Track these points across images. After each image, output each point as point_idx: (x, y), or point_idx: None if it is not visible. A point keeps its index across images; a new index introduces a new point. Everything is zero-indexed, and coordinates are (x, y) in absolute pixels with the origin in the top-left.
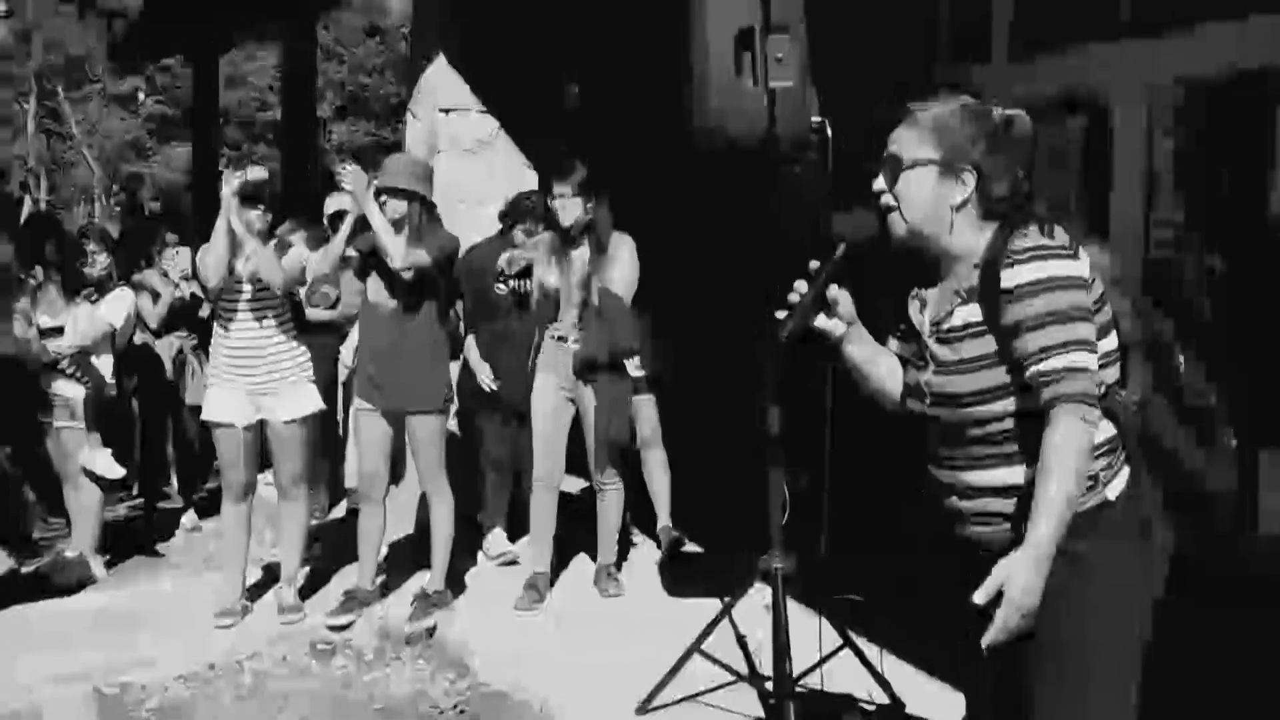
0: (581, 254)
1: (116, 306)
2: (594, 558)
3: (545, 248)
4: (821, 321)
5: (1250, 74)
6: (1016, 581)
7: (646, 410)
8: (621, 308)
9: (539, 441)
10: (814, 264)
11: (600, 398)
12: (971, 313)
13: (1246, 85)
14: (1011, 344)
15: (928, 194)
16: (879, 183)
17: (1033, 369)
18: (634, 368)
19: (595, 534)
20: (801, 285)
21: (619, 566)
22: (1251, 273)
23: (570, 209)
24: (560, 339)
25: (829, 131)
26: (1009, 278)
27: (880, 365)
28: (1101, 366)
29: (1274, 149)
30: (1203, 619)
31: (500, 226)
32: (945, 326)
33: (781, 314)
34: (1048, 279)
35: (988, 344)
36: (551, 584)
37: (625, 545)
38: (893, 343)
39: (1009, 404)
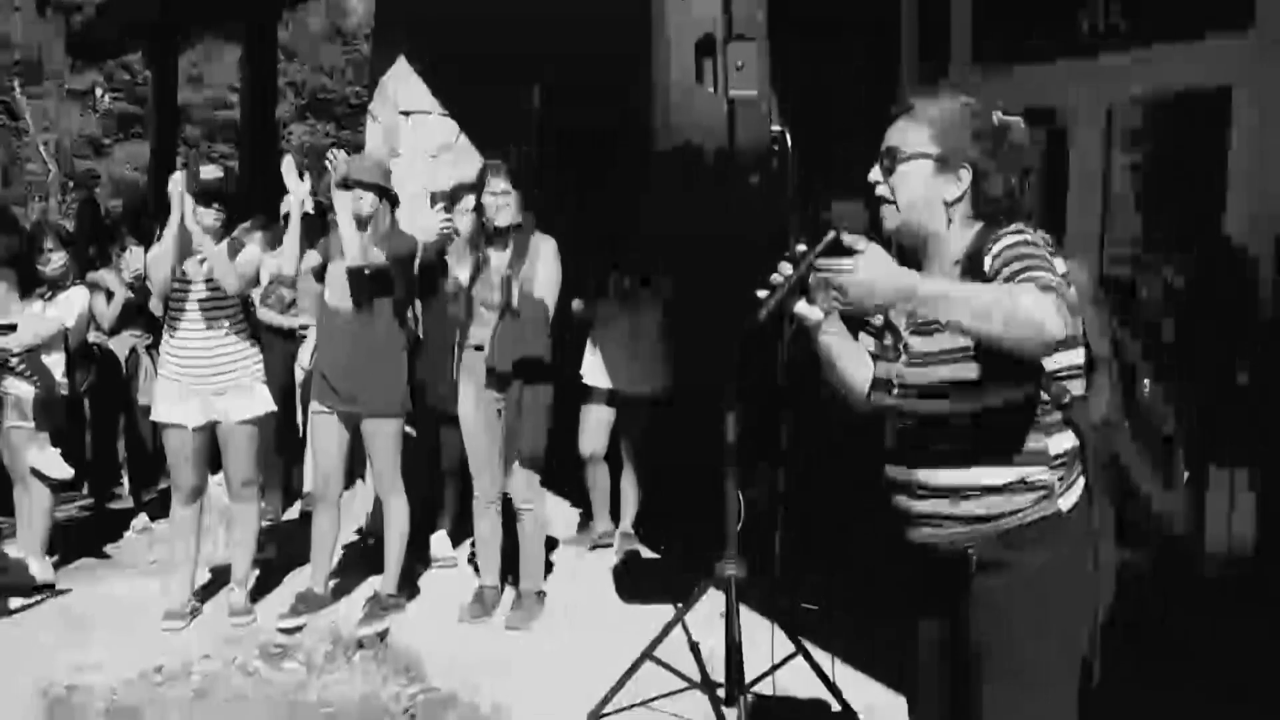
0: (502, 255)
1: (69, 305)
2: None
3: (463, 241)
4: (801, 307)
5: (1207, 92)
6: (876, 268)
7: (634, 423)
8: (540, 312)
9: (472, 457)
10: (800, 247)
11: (509, 408)
12: None
13: (1203, 103)
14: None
15: (923, 187)
16: (875, 173)
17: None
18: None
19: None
20: (785, 268)
21: (554, 584)
22: (1209, 290)
23: (506, 208)
24: (478, 348)
25: (788, 140)
26: (988, 261)
27: (851, 357)
28: (1068, 379)
29: (1228, 167)
30: (1149, 631)
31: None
32: (923, 319)
33: (762, 293)
34: (1020, 242)
35: (961, 338)
36: (501, 592)
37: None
38: (864, 337)
39: (974, 401)
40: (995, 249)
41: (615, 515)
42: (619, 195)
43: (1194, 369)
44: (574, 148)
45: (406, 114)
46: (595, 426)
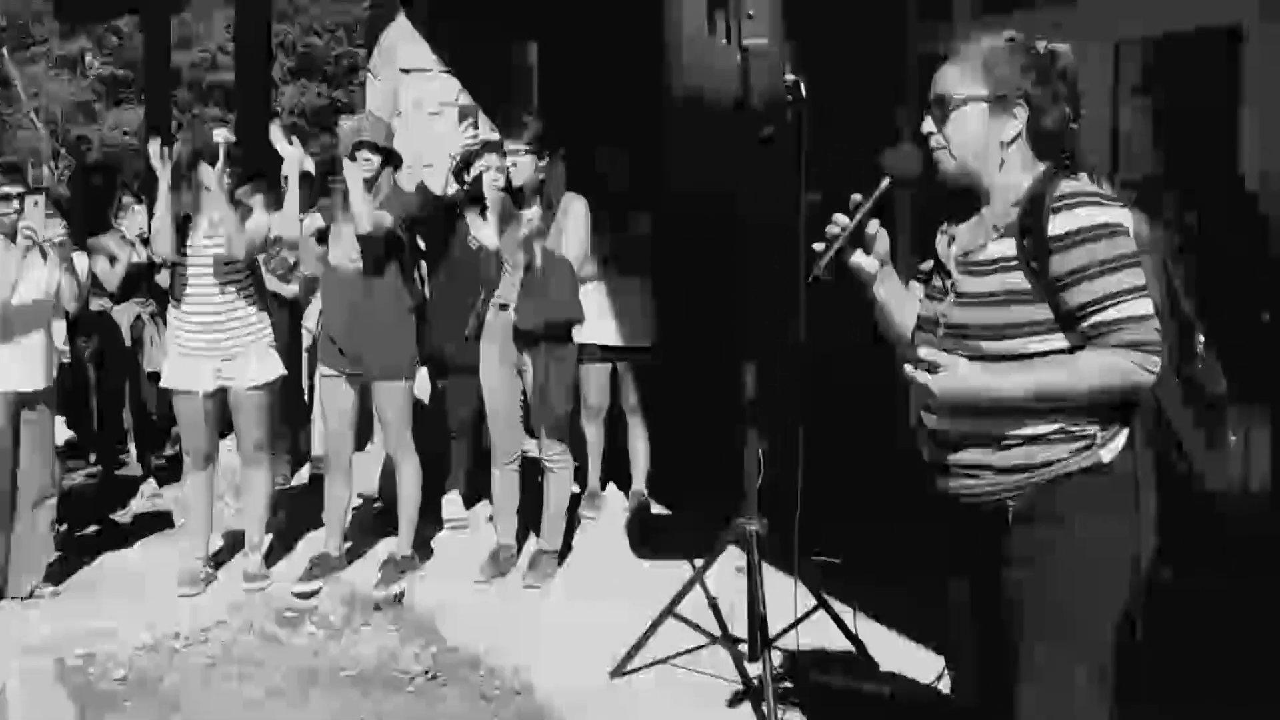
0: (529, 214)
1: None
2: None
3: (494, 208)
4: (857, 258)
5: (1217, 30)
6: (958, 373)
7: (629, 378)
8: (567, 273)
9: (492, 418)
10: (856, 198)
11: (538, 370)
12: (1006, 248)
13: (1213, 42)
14: (1059, 296)
15: (980, 131)
16: (928, 124)
17: (1090, 320)
18: (615, 336)
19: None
20: (841, 218)
21: (569, 544)
22: (1223, 233)
23: (523, 168)
24: (503, 306)
25: (803, 90)
26: (1056, 224)
27: (906, 309)
28: None
29: (1241, 106)
30: (1187, 586)
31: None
32: (975, 259)
33: (818, 246)
34: (1095, 226)
35: (1015, 280)
36: (517, 554)
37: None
38: (915, 286)
39: (1020, 344)
40: (1061, 221)
41: (623, 476)
42: (621, 151)
43: (1208, 314)
44: (580, 104)
45: (407, 71)
46: (596, 384)
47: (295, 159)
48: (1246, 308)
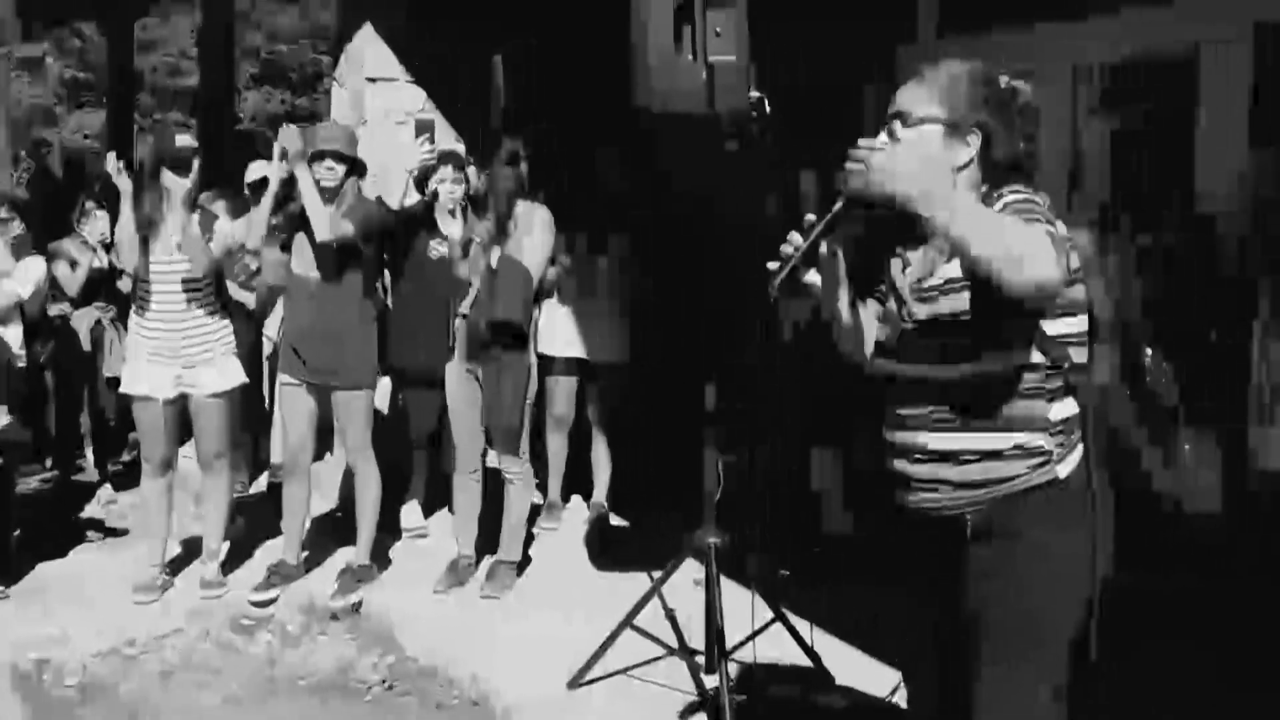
0: (489, 223)
1: (25, 276)
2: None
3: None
4: (811, 276)
5: (1175, 56)
6: (906, 160)
7: (595, 392)
8: (519, 279)
9: (454, 425)
10: (810, 217)
11: (488, 378)
12: (951, 269)
13: (1173, 66)
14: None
15: (932, 152)
16: (882, 139)
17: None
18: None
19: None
20: (795, 237)
21: (527, 555)
22: (1178, 253)
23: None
24: (463, 316)
25: (767, 107)
26: None
27: (862, 325)
28: (1070, 345)
29: (1197, 130)
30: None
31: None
32: (927, 285)
33: (773, 265)
34: (1024, 199)
35: (963, 301)
36: (476, 564)
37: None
38: (873, 304)
39: (974, 367)
40: (997, 206)
41: (584, 488)
42: (593, 167)
43: (1163, 329)
44: (546, 117)
45: (374, 80)
46: (563, 397)
47: (293, 164)
48: (1197, 325)
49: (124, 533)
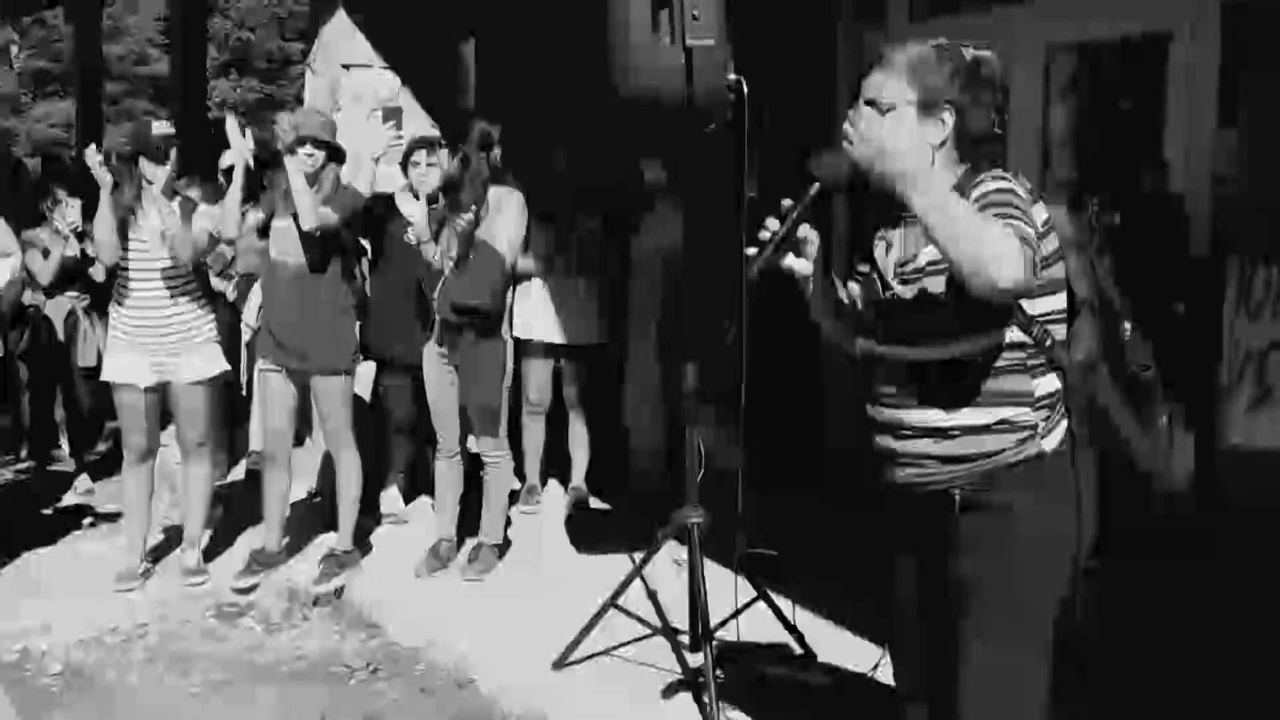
0: (470, 215)
1: None
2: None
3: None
4: (790, 261)
5: (1146, 36)
6: (898, 138)
7: (571, 374)
8: (492, 263)
9: (433, 409)
10: (786, 202)
11: (465, 362)
12: (933, 252)
13: (1142, 48)
14: None
15: (907, 134)
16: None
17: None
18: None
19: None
20: (772, 223)
21: (508, 539)
22: (1147, 232)
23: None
24: (434, 301)
25: (744, 89)
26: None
27: (841, 307)
28: (1051, 323)
29: (1167, 111)
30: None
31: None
32: (910, 267)
33: (751, 251)
34: (1001, 189)
35: (943, 282)
36: (458, 548)
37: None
38: (852, 286)
39: (956, 347)
40: (975, 194)
41: (561, 472)
42: (567, 152)
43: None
44: (520, 102)
45: (348, 67)
46: (539, 380)
47: (245, 153)
48: (1163, 301)
49: (117, 516)
